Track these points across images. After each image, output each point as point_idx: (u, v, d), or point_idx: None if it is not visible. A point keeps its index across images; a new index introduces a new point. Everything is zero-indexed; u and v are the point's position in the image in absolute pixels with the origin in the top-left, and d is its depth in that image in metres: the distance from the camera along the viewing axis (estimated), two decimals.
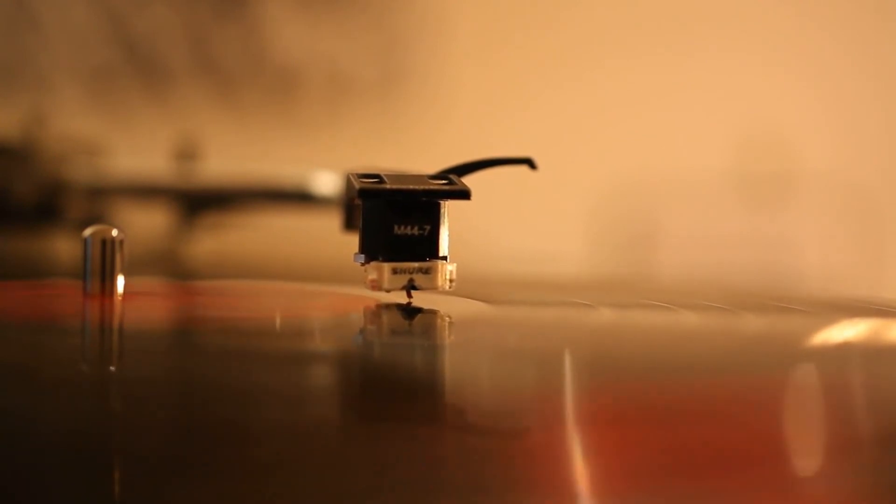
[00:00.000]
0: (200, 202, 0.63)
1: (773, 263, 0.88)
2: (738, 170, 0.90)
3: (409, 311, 0.33)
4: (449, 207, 0.33)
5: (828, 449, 0.21)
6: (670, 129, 0.93)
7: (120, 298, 0.34)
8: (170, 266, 0.58)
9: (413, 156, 0.50)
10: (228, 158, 0.65)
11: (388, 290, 0.33)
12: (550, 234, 0.89)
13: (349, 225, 0.41)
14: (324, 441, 0.20)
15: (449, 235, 0.33)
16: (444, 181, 0.33)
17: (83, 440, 0.20)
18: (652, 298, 0.42)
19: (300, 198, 0.62)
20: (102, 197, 0.64)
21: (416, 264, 0.33)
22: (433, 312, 0.34)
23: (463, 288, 0.34)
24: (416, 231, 0.33)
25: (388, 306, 0.34)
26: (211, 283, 0.49)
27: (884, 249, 0.90)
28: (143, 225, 0.62)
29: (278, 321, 0.35)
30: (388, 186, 0.32)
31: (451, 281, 0.33)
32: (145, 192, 0.64)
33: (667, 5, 0.95)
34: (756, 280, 0.86)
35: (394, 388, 0.25)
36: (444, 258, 0.33)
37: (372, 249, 0.33)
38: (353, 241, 0.34)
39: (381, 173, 0.33)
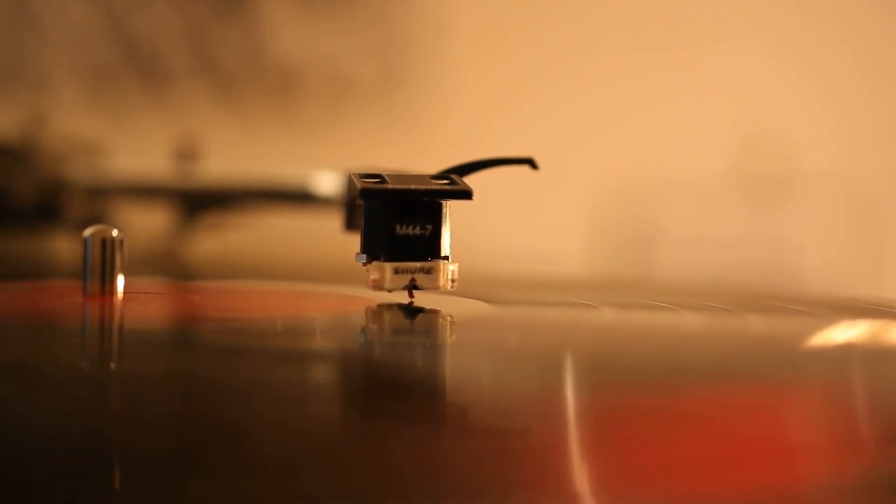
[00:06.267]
0: (200, 202, 0.63)
1: (774, 263, 0.88)
2: (738, 170, 0.90)
3: (411, 311, 0.33)
4: (450, 207, 0.33)
5: (828, 449, 0.21)
6: (670, 128, 0.92)
7: (120, 298, 0.34)
8: (170, 266, 0.58)
9: (414, 155, 0.51)
10: (228, 158, 0.65)
11: (389, 290, 0.33)
12: (551, 234, 0.89)
13: (350, 225, 0.41)
14: (324, 440, 0.20)
15: (450, 235, 0.33)
16: (445, 181, 0.33)
17: (83, 440, 0.20)
18: (652, 299, 0.42)
19: (301, 198, 0.62)
20: (102, 197, 0.64)
21: (417, 264, 0.33)
22: (435, 312, 0.34)
23: (464, 288, 0.34)
24: (417, 231, 0.33)
25: (389, 306, 0.34)
26: (211, 284, 0.49)
27: (884, 249, 0.90)
28: (143, 225, 0.62)
29: (279, 321, 0.35)
30: (389, 186, 0.32)
31: (452, 281, 0.33)
32: (145, 192, 0.64)
33: (666, 6, 0.95)
34: (756, 280, 0.86)
35: (395, 388, 0.25)
36: (446, 258, 0.33)
37: (373, 249, 0.33)
38: (354, 241, 0.34)
39: (383, 173, 0.33)
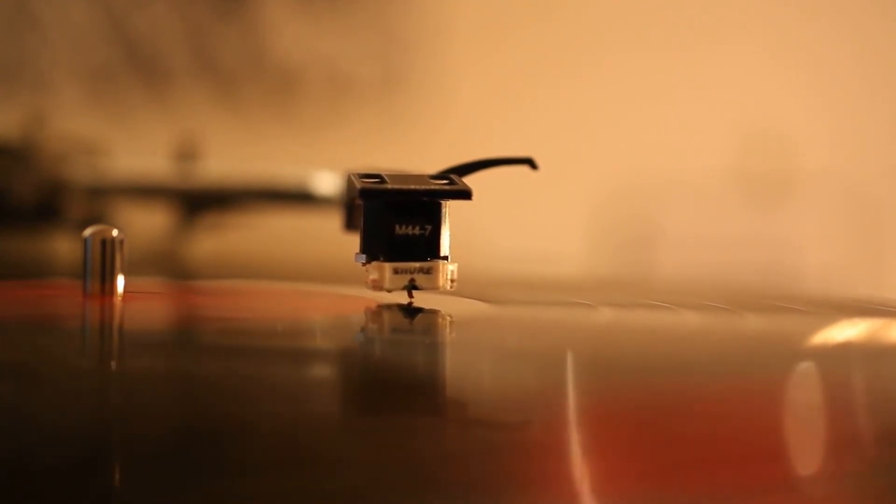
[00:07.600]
0: (200, 202, 0.63)
1: (774, 263, 0.88)
2: (738, 170, 0.90)
3: (410, 311, 0.33)
4: (450, 207, 0.33)
5: (828, 449, 0.21)
6: (670, 128, 0.92)
7: (120, 298, 0.34)
8: (170, 266, 0.58)
9: (414, 155, 0.51)
10: (228, 158, 0.65)
11: (389, 291, 0.33)
12: (551, 234, 0.89)
13: (350, 225, 0.41)
14: (324, 441, 0.20)
15: (450, 235, 0.33)
16: (445, 181, 0.33)
17: (83, 440, 0.20)
18: (652, 298, 0.42)
19: (300, 198, 0.62)
20: (102, 197, 0.64)
21: (417, 264, 0.33)
22: (434, 312, 0.34)
23: (464, 288, 0.34)
24: (417, 231, 0.33)
25: (389, 306, 0.34)
26: (211, 283, 0.49)
27: (884, 249, 0.90)
28: (143, 225, 0.62)
29: (279, 321, 0.35)
30: (389, 186, 0.32)
31: (452, 281, 0.33)
32: (145, 192, 0.64)
33: (666, 6, 0.95)
34: (756, 280, 0.86)
35: (394, 388, 0.25)
36: (445, 258, 0.33)
37: (373, 249, 0.33)
38: (353, 241, 0.34)
39: (382, 173, 0.33)
